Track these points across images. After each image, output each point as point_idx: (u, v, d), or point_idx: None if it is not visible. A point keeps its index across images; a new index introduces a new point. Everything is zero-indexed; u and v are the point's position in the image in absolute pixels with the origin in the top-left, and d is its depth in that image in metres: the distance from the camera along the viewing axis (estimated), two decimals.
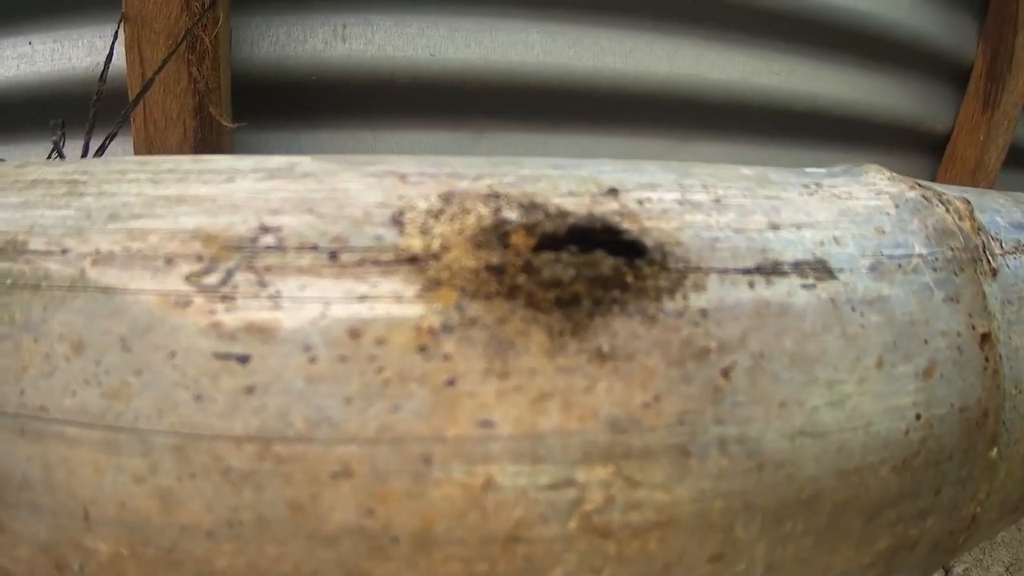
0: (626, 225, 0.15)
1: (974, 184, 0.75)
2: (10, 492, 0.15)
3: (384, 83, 0.45)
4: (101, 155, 0.26)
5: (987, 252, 0.20)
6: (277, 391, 0.13)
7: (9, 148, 0.41)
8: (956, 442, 0.18)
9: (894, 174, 0.21)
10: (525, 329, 0.13)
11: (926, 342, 0.17)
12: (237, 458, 0.13)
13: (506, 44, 0.50)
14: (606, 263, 0.13)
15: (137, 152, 0.37)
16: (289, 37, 0.44)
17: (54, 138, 0.24)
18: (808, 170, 0.21)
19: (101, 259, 0.14)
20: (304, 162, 0.15)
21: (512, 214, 0.14)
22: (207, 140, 0.40)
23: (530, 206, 0.14)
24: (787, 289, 0.15)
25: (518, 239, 0.13)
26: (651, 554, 0.14)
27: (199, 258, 0.14)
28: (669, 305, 0.14)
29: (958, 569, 0.40)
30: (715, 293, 0.14)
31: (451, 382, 0.13)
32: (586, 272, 0.13)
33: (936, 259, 0.18)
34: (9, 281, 0.15)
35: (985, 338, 0.18)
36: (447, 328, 0.13)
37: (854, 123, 0.70)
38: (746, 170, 0.19)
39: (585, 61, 0.53)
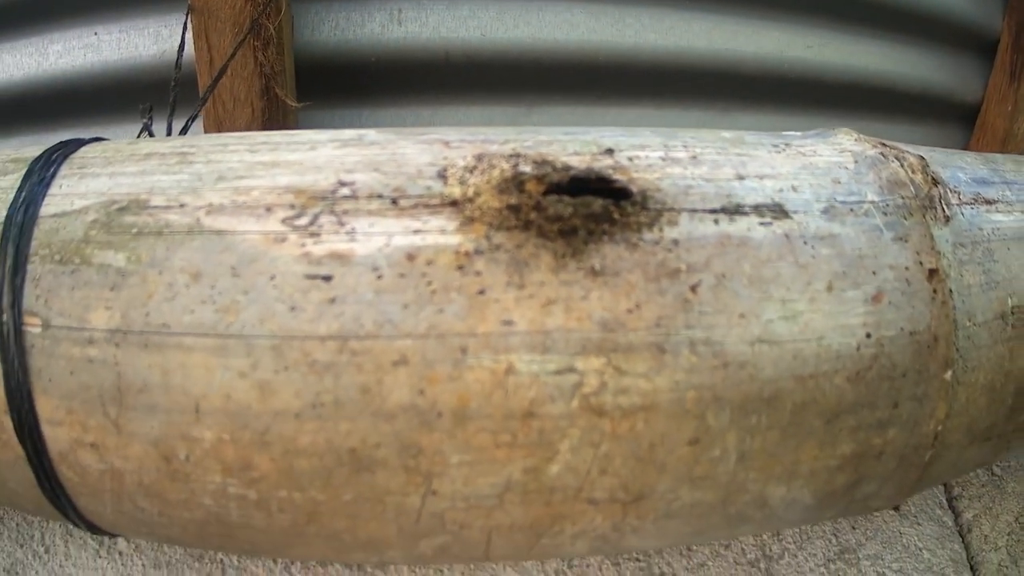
0: (616, 176, 0.22)
1: (1004, 152, 0.81)
2: (129, 397, 0.23)
3: (439, 62, 0.54)
4: (190, 123, 0.35)
5: (942, 202, 0.27)
6: (352, 301, 0.20)
7: (79, 133, 0.50)
8: (908, 362, 0.24)
9: (861, 136, 0.28)
10: (536, 252, 0.20)
11: (874, 273, 0.23)
12: (321, 352, 0.21)
13: (552, 23, 0.58)
14: (596, 203, 0.21)
15: (207, 132, 0.45)
16: (348, 22, 0.53)
17: (144, 120, 0.32)
18: (785, 133, 0.28)
19: (214, 210, 0.22)
20: (370, 133, 0.22)
21: (527, 168, 0.21)
22: (274, 119, 0.49)
23: (542, 162, 0.22)
24: (747, 226, 0.22)
25: (531, 186, 0.21)
26: (639, 433, 0.21)
27: (292, 206, 0.21)
28: (648, 235, 0.21)
29: (968, 515, 0.45)
30: (685, 227, 0.22)
31: (481, 291, 0.20)
32: (582, 210, 0.21)
33: (887, 205, 0.25)
34: (135, 230, 0.23)
35: (933, 273, 0.24)
36: (479, 252, 0.20)
37: (886, 94, 0.77)
38: (726, 133, 0.27)
39: (627, 38, 0.61)
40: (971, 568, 0.44)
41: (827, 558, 0.41)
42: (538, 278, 0.20)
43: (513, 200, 0.20)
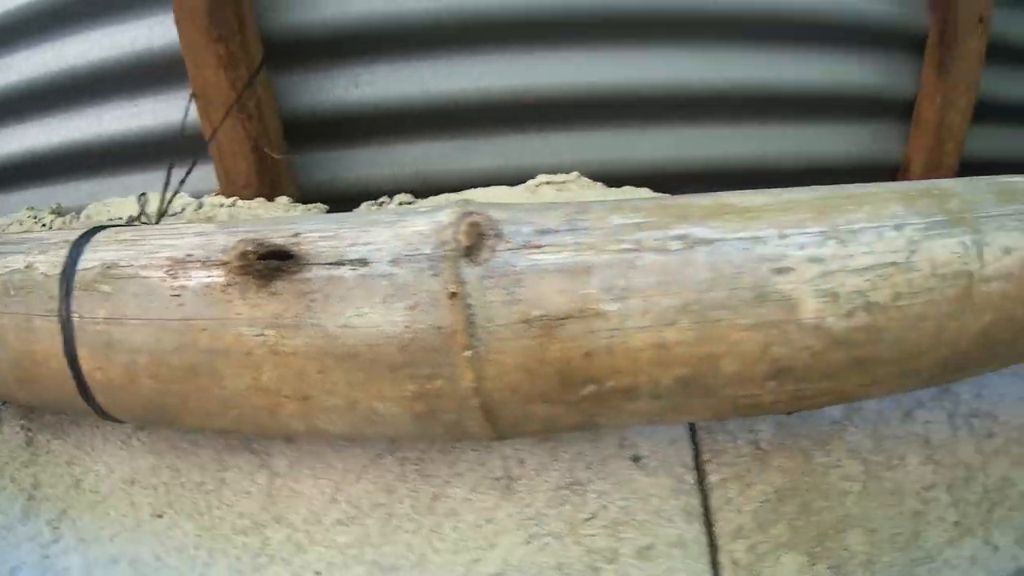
0: (291, 248, 0.65)
1: (938, 144, 0.97)
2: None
3: (391, 116, 1.01)
4: (180, 188, 0.88)
5: (485, 249, 0.62)
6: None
7: (124, 183, 1.12)
8: (438, 343, 0.61)
9: (458, 210, 0.64)
10: (250, 284, 0.65)
11: (415, 294, 0.61)
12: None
13: (482, 74, 1.00)
14: (275, 263, 0.64)
15: (219, 180, 1.00)
16: (320, 88, 1.04)
17: (140, 205, 0.87)
18: (406, 213, 0.67)
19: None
20: (209, 227, 0.70)
21: (251, 247, 0.66)
22: (264, 167, 1.03)
23: (261, 242, 0.66)
24: (344, 271, 0.63)
25: (251, 256, 0.66)
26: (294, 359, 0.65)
27: (170, 267, 0.71)
28: (297, 276, 0.64)
29: (715, 477, 0.71)
30: (315, 272, 0.64)
31: (229, 300, 0.66)
32: (269, 266, 0.65)
33: (433, 255, 0.62)
34: (115, 275, 0.75)
35: (454, 294, 0.61)
36: (230, 284, 0.66)
37: (824, 102, 1.01)
38: (353, 217, 0.67)
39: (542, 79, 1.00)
40: (706, 523, 0.72)
41: (559, 485, 0.74)
42: (252, 295, 0.65)
43: (244, 263, 0.65)
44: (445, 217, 0.65)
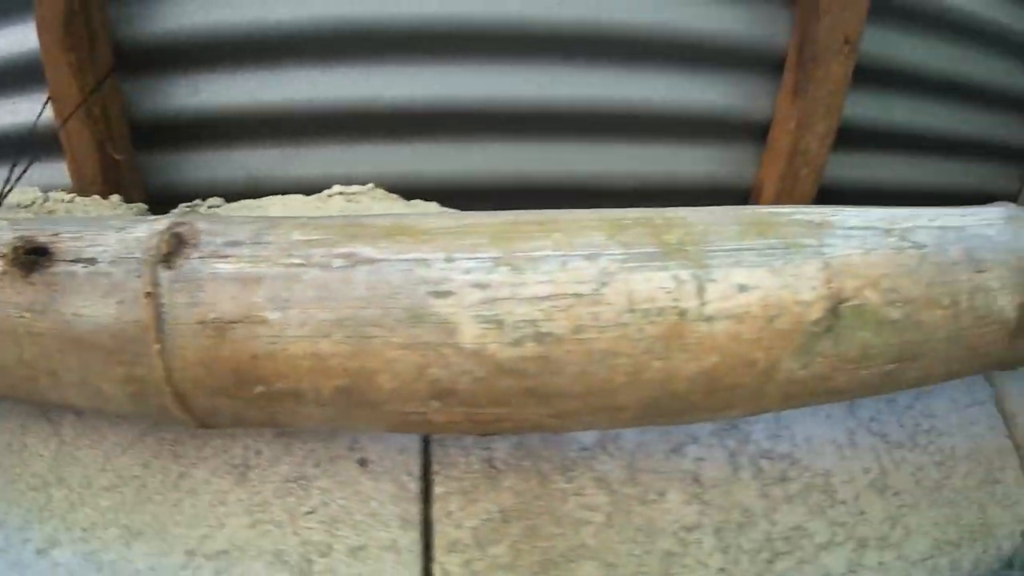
0: (49, 245, 0.80)
1: (792, 170, 0.95)
2: None
3: (225, 123, 1.17)
4: (15, 184, 1.07)
5: (181, 256, 0.73)
6: None
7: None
8: (138, 336, 0.74)
9: (169, 223, 0.76)
10: (16, 273, 0.81)
11: (123, 291, 0.74)
12: None
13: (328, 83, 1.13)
14: (33, 257, 0.80)
15: (71, 177, 1.19)
16: (165, 95, 1.21)
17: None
18: (137, 221, 0.79)
19: None
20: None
21: (20, 243, 0.82)
22: (109, 165, 1.21)
23: (28, 240, 0.82)
24: (78, 268, 0.77)
25: (19, 251, 0.82)
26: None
27: None
28: (48, 270, 0.79)
29: (439, 489, 0.78)
30: (59, 268, 0.79)
31: (3, 287, 0.82)
32: (30, 258, 0.80)
33: (141, 259, 0.74)
34: None
35: (149, 294, 0.73)
36: (4, 273, 0.82)
37: (675, 121, 1.05)
38: (98, 221, 0.81)
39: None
40: (423, 532, 0.78)
41: (287, 478, 0.83)
42: (18, 283, 0.80)
43: (13, 255, 0.81)
44: (160, 226, 0.77)
